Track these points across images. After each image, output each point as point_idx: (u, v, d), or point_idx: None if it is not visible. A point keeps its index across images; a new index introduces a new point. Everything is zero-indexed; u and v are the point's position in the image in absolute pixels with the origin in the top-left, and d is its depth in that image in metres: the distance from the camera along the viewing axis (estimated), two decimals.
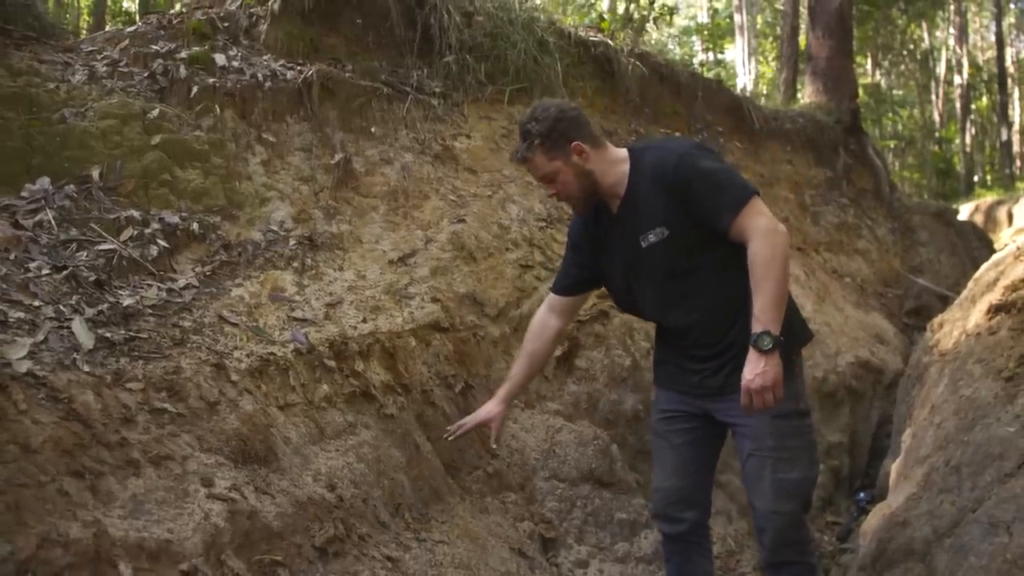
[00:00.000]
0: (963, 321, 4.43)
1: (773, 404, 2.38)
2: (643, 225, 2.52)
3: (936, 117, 30.50)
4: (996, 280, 4.28)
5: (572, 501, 3.73)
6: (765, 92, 18.70)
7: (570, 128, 2.54)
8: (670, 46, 25.04)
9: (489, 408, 2.87)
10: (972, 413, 3.27)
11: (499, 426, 2.86)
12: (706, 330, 2.58)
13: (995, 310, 3.77)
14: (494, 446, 3.20)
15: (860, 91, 12.18)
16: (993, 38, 28.52)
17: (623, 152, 2.61)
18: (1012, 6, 30.82)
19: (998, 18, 27.20)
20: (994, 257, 5.05)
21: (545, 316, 2.87)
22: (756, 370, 2.34)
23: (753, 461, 2.57)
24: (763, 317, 2.34)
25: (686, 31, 29.22)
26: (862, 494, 5.50)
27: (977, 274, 4.99)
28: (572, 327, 4.26)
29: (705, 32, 27.26)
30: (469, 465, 3.49)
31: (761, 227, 2.38)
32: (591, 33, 6.36)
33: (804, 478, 2.56)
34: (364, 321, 3.41)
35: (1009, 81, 28.60)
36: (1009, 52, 30.62)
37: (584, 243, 2.74)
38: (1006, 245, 5.57)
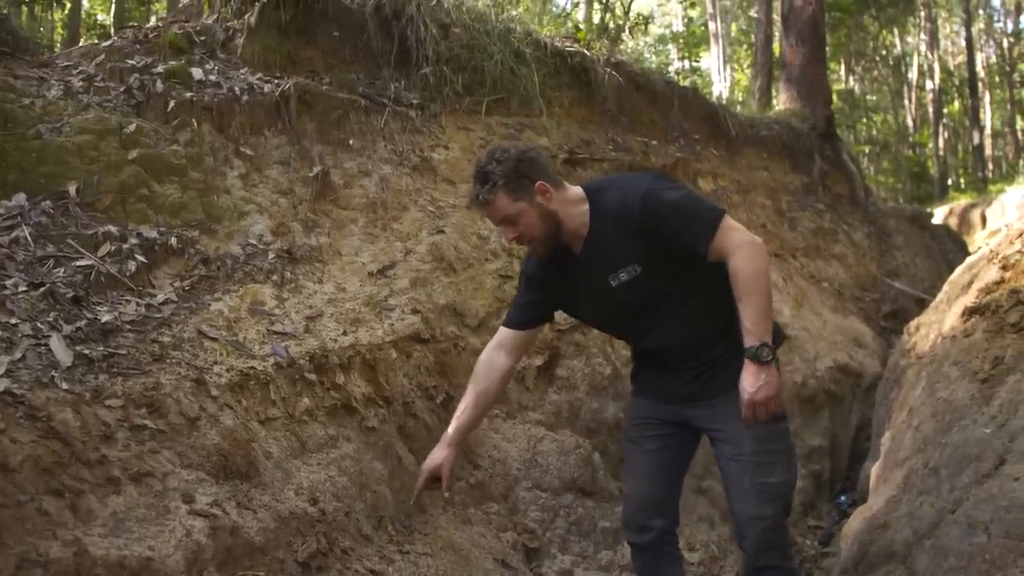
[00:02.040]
0: (939, 324, 4.47)
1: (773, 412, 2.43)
2: (611, 265, 2.53)
3: (909, 122, 30.90)
4: (970, 283, 4.33)
5: (555, 510, 3.73)
6: (740, 99, 18.85)
7: (532, 168, 2.51)
8: (646, 55, 25.21)
9: (437, 455, 2.77)
10: (949, 415, 3.30)
11: (449, 471, 2.75)
12: (685, 349, 2.63)
13: (970, 313, 3.81)
14: (446, 495, 3.03)
15: (834, 97, 12.32)
16: (963, 43, 28.94)
17: (580, 191, 2.60)
18: (981, 12, 31.33)
19: (967, 24, 27.66)
20: (968, 260, 5.11)
21: (494, 354, 2.79)
22: (758, 382, 2.39)
23: (733, 465, 2.60)
24: (755, 329, 2.40)
25: (661, 40, 29.46)
26: (843, 497, 5.54)
27: (952, 277, 5.04)
28: (553, 336, 4.28)
29: (680, 40, 27.47)
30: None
31: (737, 242, 2.43)
32: (567, 43, 6.38)
33: (783, 481, 2.59)
34: (344, 334, 3.41)
35: (980, 85, 29.01)
36: (979, 57, 31.09)
37: (542, 279, 2.71)
38: (980, 248, 5.63)
